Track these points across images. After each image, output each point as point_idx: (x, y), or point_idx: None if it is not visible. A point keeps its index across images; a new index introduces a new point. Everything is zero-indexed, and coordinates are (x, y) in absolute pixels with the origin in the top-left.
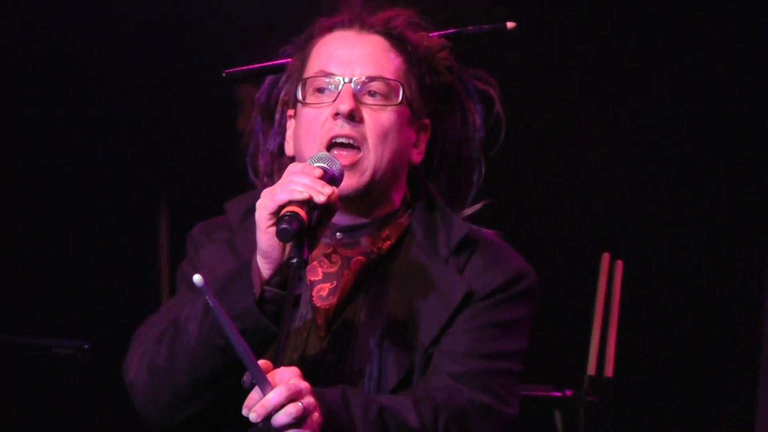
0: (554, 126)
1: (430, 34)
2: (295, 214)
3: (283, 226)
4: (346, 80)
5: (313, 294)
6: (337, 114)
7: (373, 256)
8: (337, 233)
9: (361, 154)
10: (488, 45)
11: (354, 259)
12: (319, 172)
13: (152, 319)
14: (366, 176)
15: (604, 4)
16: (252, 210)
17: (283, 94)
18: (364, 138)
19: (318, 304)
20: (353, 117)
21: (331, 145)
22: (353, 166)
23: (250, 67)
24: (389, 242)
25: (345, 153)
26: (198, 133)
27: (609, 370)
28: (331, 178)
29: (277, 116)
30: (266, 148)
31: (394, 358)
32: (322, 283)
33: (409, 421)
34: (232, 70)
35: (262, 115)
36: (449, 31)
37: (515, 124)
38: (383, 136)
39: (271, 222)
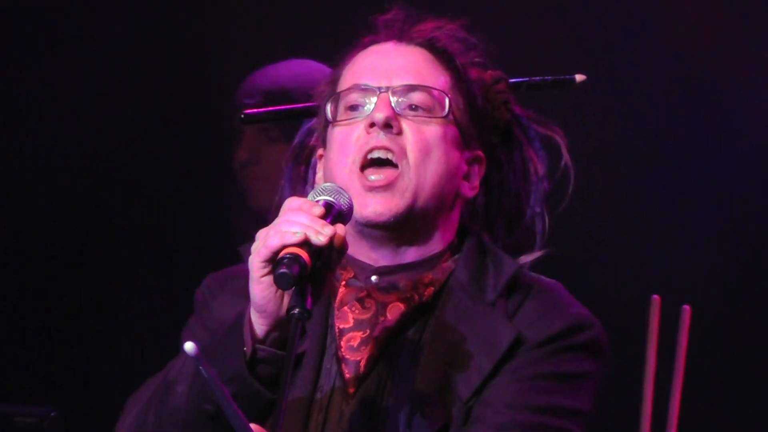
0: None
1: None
2: (296, 257)
3: (282, 270)
4: (383, 89)
5: (342, 344)
6: (372, 125)
7: (413, 303)
8: (372, 276)
9: (399, 170)
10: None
11: (391, 305)
12: (319, 210)
13: (152, 378)
14: (406, 198)
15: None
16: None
17: (313, 139)
18: (403, 152)
19: (348, 356)
20: (390, 125)
21: (365, 165)
22: (390, 185)
23: (273, 108)
24: (432, 288)
25: (381, 174)
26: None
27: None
28: (338, 214)
29: (308, 165)
30: (295, 189)
31: (428, 415)
32: (353, 332)
33: None
34: (252, 111)
35: (293, 164)
36: (510, 79)
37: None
38: (426, 152)
39: (265, 270)
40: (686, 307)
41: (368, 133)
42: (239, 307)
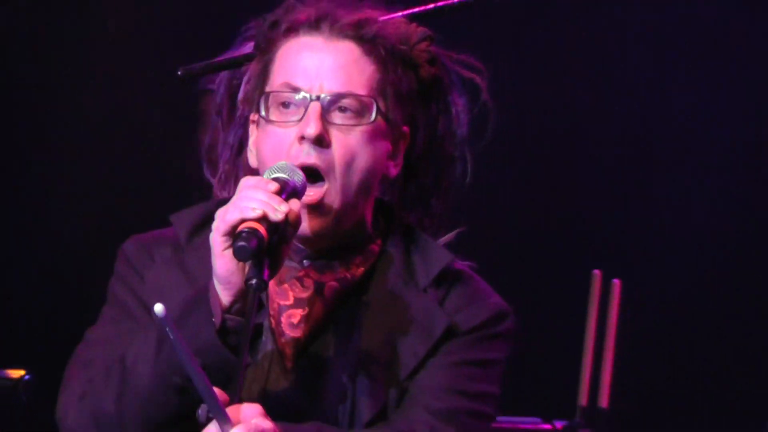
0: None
1: (402, 13)
2: (253, 231)
3: (241, 243)
4: (314, 97)
5: (282, 320)
6: (303, 137)
7: (346, 283)
8: (304, 261)
9: (326, 186)
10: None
11: (328, 285)
12: (275, 186)
13: (85, 353)
14: (335, 211)
15: None
16: (203, 225)
17: (243, 93)
18: (330, 166)
19: (287, 333)
20: (321, 142)
21: None
22: (320, 205)
23: (210, 62)
24: (362, 269)
25: (311, 192)
26: None
27: (604, 400)
28: (292, 191)
29: (237, 112)
30: (227, 140)
31: (368, 393)
32: (293, 309)
33: None
34: (188, 67)
35: (220, 107)
36: (430, 6)
37: (506, 123)
38: (350, 162)
39: (226, 244)
40: (616, 281)
41: (299, 143)
42: (171, 276)
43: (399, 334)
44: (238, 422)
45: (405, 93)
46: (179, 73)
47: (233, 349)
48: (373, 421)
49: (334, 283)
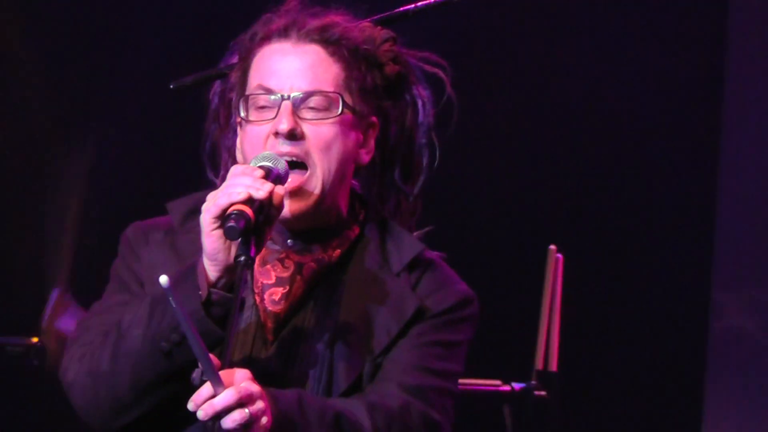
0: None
1: (377, 17)
2: (241, 212)
3: (230, 224)
4: (285, 96)
5: (265, 297)
6: (277, 133)
7: (323, 264)
8: (288, 240)
9: (308, 172)
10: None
11: (306, 266)
12: (260, 173)
13: (88, 321)
14: (314, 196)
15: None
16: (195, 211)
17: (231, 97)
18: (308, 154)
19: (269, 308)
20: (294, 136)
21: None
22: (300, 190)
23: (198, 74)
24: (339, 251)
25: (292, 177)
26: None
27: (553, 365)
28: (276, 177)
29: (231, 119)
30: (224, 144)
31: (344, 365)
32: (275, 287)
33: (364, 428)
34: (180, 80)
35: (216, 115)
36: (395, 11)
37: (467, 113)
38: (326, 149)
39: (215, 225)
40: (559, 256)
41: (275, 138)
42: (162, 255)
43: (374, 312)
44: (230, 385)
45: (370, 88)
46: (171, 86)
47: (216, 320)
48: (348, 392)
49: (312, 264)
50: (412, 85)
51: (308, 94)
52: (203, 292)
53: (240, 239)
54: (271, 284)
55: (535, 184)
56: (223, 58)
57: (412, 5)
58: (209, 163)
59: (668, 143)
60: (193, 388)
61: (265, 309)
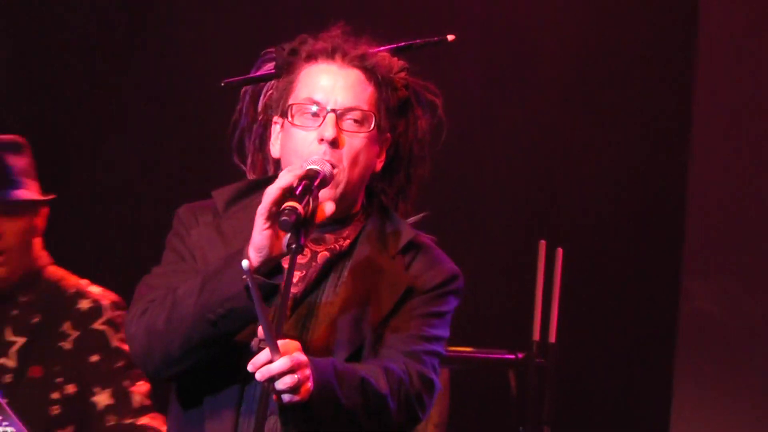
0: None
1: (386, 47)
2: (293, 208)
3: (284, 218)
4: (330, 109)
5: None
6: (322, 139)
7: (335, 252)
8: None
9: (337, 171)
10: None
11: (320, 254)
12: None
13: (151, 281)
14: (339, 189)
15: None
16: (235, 199)
17: (265, 98)
18: (340, 160)
19: (290, 290)
20: (336, 143)
21: None
22: (335, 184)
23: (246, 77)
24: (348, 240)
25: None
26: None
27: (552, 337)
28: (323, 178)
29: (260, 116)
30: (250, 137)
31: (346, 336)
32: (295, 271)
33: (381, 390)
34: (230, 79)
35: (247, 111)
36: (401, 44)
37: (457, 126)
38: (355, 159)
39: (267, 225)
40: (559, 249)
41: (319, 143)
42: (209, 235)
43: (373, 291)
44: (284, 353)
45: (390, 108)
46: (222, 84)
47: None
48: (350, 359)
49: (325, 252)
50: (416, 108)
51: (348, 109)
52: (246, 277)
53: (291, 230)
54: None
55: (521, 176)
56: (257, 63)
57: (419, 40)
58: (236, 151)
59: (640, 134)
60: (249, 353)
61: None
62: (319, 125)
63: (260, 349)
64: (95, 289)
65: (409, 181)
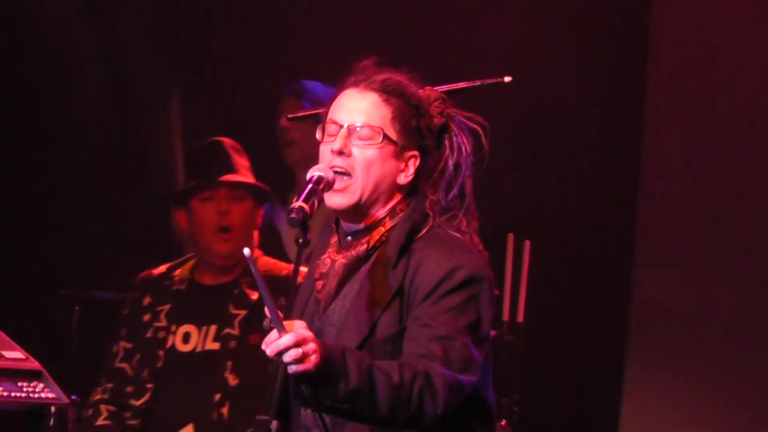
0: None
1: (443, 88)
2: (301, 208)
3: (292, 216)
4: (343, 125)
5: (318, 286)
6: (332, 150)
7: (351, 258)
8: (348, 236)
9: (352, 179)
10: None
11: (338, 262)
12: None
13: None
14: (354, 197)
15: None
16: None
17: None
18: (353, 168)
19: (317, 295)
20: (342, 153)
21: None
22: (345, 189)
23: (307, 113)
24: (365, 246)
25: (340, 181)
26: None
27: (521, 317)
28: (326, 183)
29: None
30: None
31: (352, 329)
32: (319, 281)
33: (393, 378)
34: (294, 114)
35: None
36: (458, 85)
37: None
38: (367, 167)
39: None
40: (527, 242)
41: (332, 153)
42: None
43: (373, 296)
44: (291, 331)
45: (413, 129)
46: (288, 117)
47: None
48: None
49: (342, 260)
50: (453, 134)
51: (359, 126)
52: None
53: (299, 227)
54: (316, 278)
55: (493, 179)
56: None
57: (477, 81)
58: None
59: (595, 133)
60: (265, 332)
61: (318, 292)
62: (335, 140)
63: (271, 329)
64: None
65: (446, 196)
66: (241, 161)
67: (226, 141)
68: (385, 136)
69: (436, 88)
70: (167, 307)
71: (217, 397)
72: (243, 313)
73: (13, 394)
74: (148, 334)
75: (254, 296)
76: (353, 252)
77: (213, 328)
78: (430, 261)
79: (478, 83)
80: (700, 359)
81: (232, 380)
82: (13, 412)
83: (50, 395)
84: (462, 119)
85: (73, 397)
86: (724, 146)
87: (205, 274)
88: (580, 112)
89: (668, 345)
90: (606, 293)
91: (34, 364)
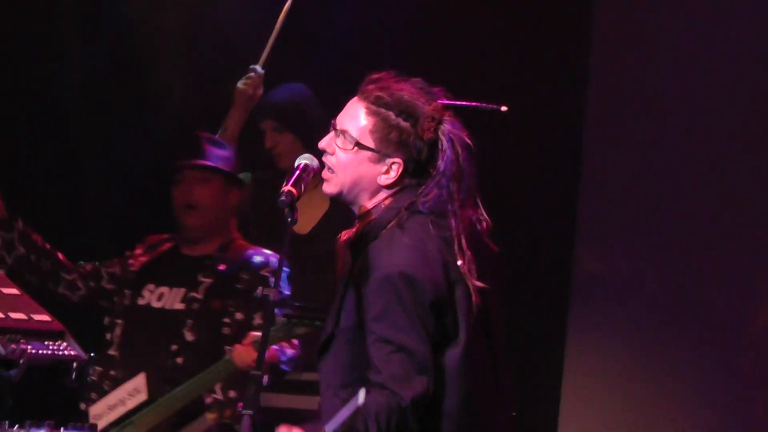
0: None
1: (442, 102)
2: (289, 191)
3: (282, 198)
4: (333, 129)
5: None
6: (319, 146)
7: (348, 241)
8: (357, 220)
9: (334, 174)
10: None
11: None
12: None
13: None
14: (335, 189)
15: None
16: None
17: None
18: (334, 165)
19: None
20: (326, 151)
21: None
22: (328, 180)
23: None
24: (346, 236)
25: (326, 173)
26: None
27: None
28: (311, 170)
29: None
30: None
31: (330, 316)
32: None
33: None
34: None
35: None
36: (457, 102)
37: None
38: (342, 167)
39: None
40: None
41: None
42: None
43: (342, 286)
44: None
45: (395, 140)
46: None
47: None
48: (323, 351)
49: (345, 239)
50: (442, 148)
51: (338, 130)
52: None
53: (287, 208)
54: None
55: None
56: None
57: (475, 103)
58: None
59: (537, 109)
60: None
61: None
62: None
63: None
64: (266, 251)
65: (432, 199)
66: (216, 151)
67: (203, 134)
68: (359, 144)
69: (448, 102)
70: (147, 258)
71: (174, 348)
72: (209, 281)
73: (41, 352)
74: (131, 276)
75: (221, 267)
76: (350, 235)
77: (182, 290)
78: (372, 260)
79: (476, 104)
80: (635, 325)
81: (189, 336)
82: (42, 367)
83: (72, 353)
84: (452, 136)
85: (92, 354)
86: (661, 134)
87: (183, 245)
88: (524, 94)
89: (605, 314)
90: (550, 268)
91: (58, 326)
